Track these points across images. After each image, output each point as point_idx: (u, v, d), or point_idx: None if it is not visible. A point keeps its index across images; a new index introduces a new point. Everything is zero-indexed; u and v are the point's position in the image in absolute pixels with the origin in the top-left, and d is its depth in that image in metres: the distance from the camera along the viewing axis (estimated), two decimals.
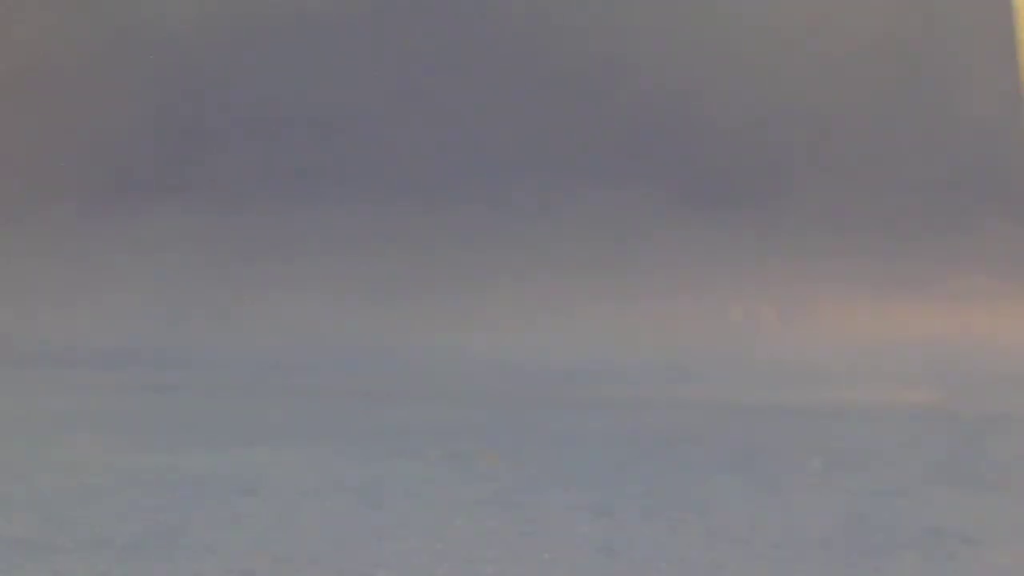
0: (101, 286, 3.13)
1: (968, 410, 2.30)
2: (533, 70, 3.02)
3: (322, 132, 3.11)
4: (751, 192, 2.89)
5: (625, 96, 2.96)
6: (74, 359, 2.87)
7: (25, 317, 3.10)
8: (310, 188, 3.10)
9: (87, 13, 3.28)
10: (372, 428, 2.04)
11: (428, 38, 3.07)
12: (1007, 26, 2.81)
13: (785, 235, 2.85)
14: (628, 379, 2.62)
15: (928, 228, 2.80)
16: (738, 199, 2.89)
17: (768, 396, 2.43)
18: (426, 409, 2.27)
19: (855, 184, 2.86)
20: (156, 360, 2.86)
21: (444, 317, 2.90)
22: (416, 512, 1.41)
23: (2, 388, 2.57)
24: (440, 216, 3.01)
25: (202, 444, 1.85)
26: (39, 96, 3.32)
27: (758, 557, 1.23)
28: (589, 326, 2.83)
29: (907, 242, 2.80)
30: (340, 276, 3.02)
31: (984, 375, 2.58)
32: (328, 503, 1.45)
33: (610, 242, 2.91)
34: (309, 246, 3.06)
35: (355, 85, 3.10)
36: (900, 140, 2.86)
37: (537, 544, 1.28)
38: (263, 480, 1.58)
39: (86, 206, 3.22)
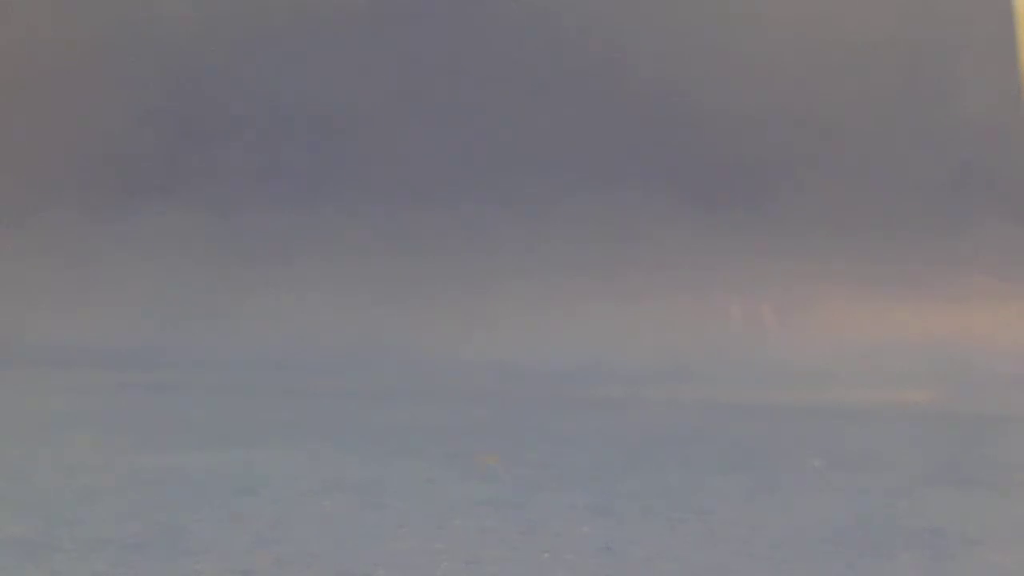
0: (101, 286, 3.12)
1: (968, 410, 2.30)
2: (533, 70, 3.02)
3: (322, 132, 3.11)
4: (751, 192, 2.89)
5: (625, 96, 2.96)
6: (74, 359, 2.87)
7: (24, 317, 3.10)
8: (310, 188, 3.09)
9: (86, 11, 3.28)
10: (372, 428, 2.04)
11: (428, 38, 3.07)
12: (1007, 26, 2.81)
13: (785, 235, 2.85)
14: (628, 379, 2.62)
15: (928, 228, 2.80)
16: (738, 199, 2.89)
17: (768, 396, 2.43)
18: (426, 409, 2.26)
19: (855, 184, 2.86)
20: (156, 360, 2.86)
21: (444, 317, 2.90)
22: (416, 512, 1.41)
23: (2, 388, 2.57)
24: (441, 216, 3.01)
25: (202, 444, 1.85)
26: (36, 95, 3.32)
27: (758, 557, 1.23)
28: (589, 326, 2.83)
29: (907, 242, 2.80)
30: (340, 276, 3.02)
31: (984, 375, 2.58)
32: (328, 503, 1.45)
33: (610, 242, 2.91)
34: (309, 246, 3.06)
35: (356, 85, 3.10)
36: (900, 140, 2.85)
37: (537, 544, 1.28)
38: (263, 480, 1.58)
39: (85, 205, 3.22)
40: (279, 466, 1.67)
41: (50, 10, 3.32)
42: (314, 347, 2.88)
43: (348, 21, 3.11)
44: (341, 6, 3.11)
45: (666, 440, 1.93)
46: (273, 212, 3.10)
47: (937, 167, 2.82)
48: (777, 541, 1.29)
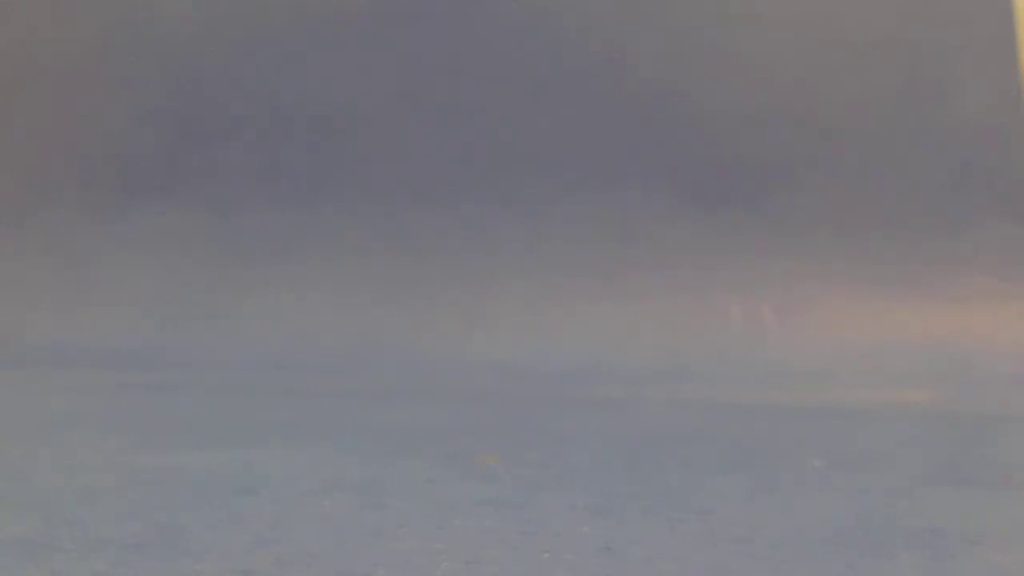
0: (101, 286, 3.12)
1: (968, 410, 2.30)
2: (533, 70, 3.02)
3: (322, 132, 3.11)
4: (751, 192, 2.89)
5: (625, 96, 2.96)
6: (74, 359, 2.87)
7: (24, 317, 3.10)
8: (310, 188, 3.09)
9: (86, 11, 3.28)
10: (372, 428, 2.04)
11: (428, 38, 3.07)
12: (1007, 26, 2.81)
13: (785, 235, 2.85)
14: (628, 379, 2.62)
15: (928, 228, 2.80)
16: (738, 199, 2.89)
17: (768, 396, 2.43)
18: (426, 409, 2.26)
19: (855, 184, 2.86)
20: (156, 360, 2.86)
21: (444, 317, 2.90)
22: (416, 512, 1.41)
23: (2, 388, 2.57)
24: (441, 216, 3.01)
25: (202, 444, 1.85)
26: (36, 95, 3.32)
27: (758, 557, 1.23)
28: (589, 326, 2.83)
29: (907, 242, 2.80)
30: (340, 276, 3.02)
31: (984, 375, 2.58)
32: (328, 503, 1.45)
33: (610, 242, 2.91)
34: (309, 246, 3.06)
35: (356, 85, 3.10)
36: (900, 140, 2.85)
37: (537, 544, 1.28)
38: (263, 480, 1.58)
39: (85, 205, 3.22)
40: (279, 466, 1.67)
41: (50, 10, 3.32)
42: (314, 347, 2.88)
43: (348, 21, 3.11)
44: (341, 6, 3.11)
45: (666, 440, 1.93)
46: (273, 212, 3.10)
47: (937, 167, 2.82)
48: (777, 541, 1.29)
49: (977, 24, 2.82)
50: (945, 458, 1.77)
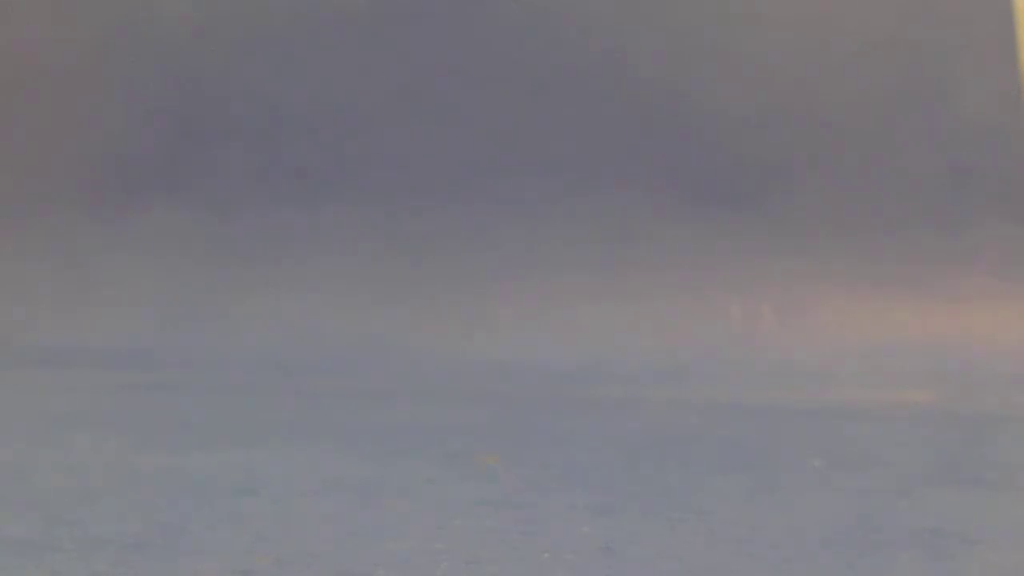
0: (101, 286, 3.12)
1: (968, 410, 2.29)
2: (533, 70, 3.02)
3: (322, 132, 3.11)
4: (751, 192, 2.89)
5: (625, 96, 2.96)
6: (74, 359, 2.87)
7: (24, 317, 3.10)
8: (310, 188, 3.09)
9: (86, 11, 3.28)
10: (372, 428, 2.04)
11: (428, 38, 3.07)
12: (1007, 26, 2.81)
13: (785, 235, 2.85)
14: (628, 379, 2.62)
15: (928, 228, 2.80)
16: (738, 199, 2.89)
17: (768, 396, 2.43)
18: (426, 409, 2.26)
19: (855, 184, 2.86)
20: (156, 360, 2.86)
21: (444, 317, 2.90)
22: (416, 512, 1.41)
23: (2, 388, 2.57)
24: (440, 216, 3.01)
25: (202, 444, 1.85)
26: (36, 95, 3.32)
27: (758, 557, 1.23)
28: (589, 326, 2.83)
29: (907, 242, 2.80)
30: (340, 276, 3.02)
31: (984, 375, 2.58)
32: (328, 503, 1.45)
33: (610, 242, 2.91)
34: (309, 246, 3.06)
35: (356, 85, 3.10)
36: (900, 140, 2.85)
37: (537, 544, 1.28)
38: (263, 480, 1.58)
39: (85, 205, 3.22)
40: (279, 466, 1.67)
41: (50, 10, 3.32)
42: (314, 347, 2.88)
43: (348, 21, 3.11)
44: (341, 6, 3.11)
45: (666, 440, 1.93)
46: (273, 212, 3.10)
47: (937, 167, 2.82)
48: (777, 541, 1.29)
49: (977, 24, 2.82)
50: (945, 458, 1.77)
